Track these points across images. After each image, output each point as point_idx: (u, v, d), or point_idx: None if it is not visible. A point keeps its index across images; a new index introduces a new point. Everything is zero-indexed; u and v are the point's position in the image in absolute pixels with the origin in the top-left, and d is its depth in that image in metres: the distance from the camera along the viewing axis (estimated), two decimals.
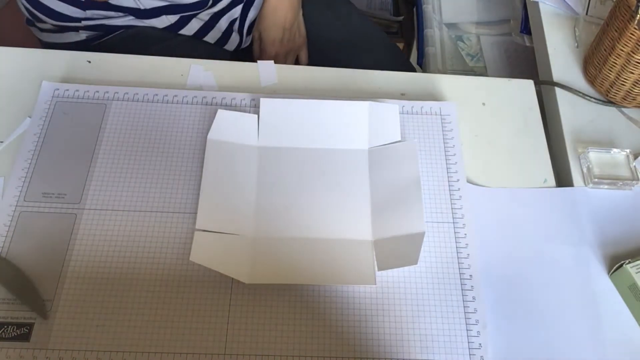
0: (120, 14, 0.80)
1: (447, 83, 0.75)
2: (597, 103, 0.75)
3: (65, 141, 0.66)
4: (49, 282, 0.57)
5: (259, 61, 0.75)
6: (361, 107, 0.68)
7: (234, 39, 0.90)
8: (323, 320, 0.57)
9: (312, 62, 0.98)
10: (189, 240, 0.60)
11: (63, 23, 0.81)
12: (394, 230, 0.61)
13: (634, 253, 0.63)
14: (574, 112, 0.74)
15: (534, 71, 0.86)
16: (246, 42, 0.93)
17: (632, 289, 0.59)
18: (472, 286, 0.60)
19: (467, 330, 0.57)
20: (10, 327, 0.55)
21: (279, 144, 0.67)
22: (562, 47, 0.81)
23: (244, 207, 0.62)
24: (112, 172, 0.64)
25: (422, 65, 1.11)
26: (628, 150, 0.69)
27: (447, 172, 0.67)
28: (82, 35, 0.82)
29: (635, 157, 0.68)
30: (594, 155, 0.68)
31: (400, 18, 1.41)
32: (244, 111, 0.69)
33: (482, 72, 1.07)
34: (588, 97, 0.75)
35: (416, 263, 0.58)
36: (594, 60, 0.75)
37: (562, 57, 0.80)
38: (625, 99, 0.73)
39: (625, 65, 0.70)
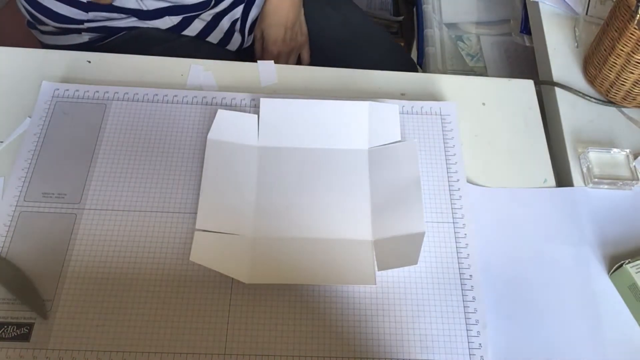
0: (123, 15, 0.80)
1: (447, 83, 0.75)
2: (597, 103, 0.75)
3: (65, 141, 0.66)
4: (49, 282, 0.57)
5: (259, 61, 0.75)
6: (361, 107, 0.68)
7: (236, 38, 0.90)
8: (323, 320, 0.57)
9: (314, 60, 0.98)
10: (189, 240, 0.60)
11: (65, 25, 0.80)
12: (394, 230, 0.61)
13: (634, 253, 0.63)
14: (574, 112, 0.74)
15: (534, 71, 0.86)
16: (248, 42, 0.93)
17: (632, 289, 0.59)
18: (472, 286, 0.60)
19: (467, 330, 0.57)
20: (10, 327, 0.55)
21: (279, 144, 0.67)
22: (562, 47, 0.81)
23: (244, 207, 0.62)
24: (112, 172, 0.64)
25: (422, 65, 1.11)
26: (628, 150, 0.69)
27: (447, 172, 0.67)
28: (85, 38, 0.82)
29: (635, 157, 0.68)
30: (594, 155, 0.68)
31: (400, 18, 1.41)
32: (244, 111, 0.69)
33: (482, 72, 1.07)
34: (588, 97, 0.75)
35: (416, 263, 0.58)
36: (594, 60, 0.75)
37: (562, 57, 0.80)
38: (625, 99, 0.73)
39: (625, 65, 0.70)
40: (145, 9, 0.79)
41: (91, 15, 0.79)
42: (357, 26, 0.98)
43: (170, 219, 0.62)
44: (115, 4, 0.78)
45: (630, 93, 0.72)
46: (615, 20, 0.69)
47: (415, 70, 1.07)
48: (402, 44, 1.38)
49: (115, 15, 0.80)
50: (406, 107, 0.71)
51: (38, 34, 0.85)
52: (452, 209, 0.64)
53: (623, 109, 0.75)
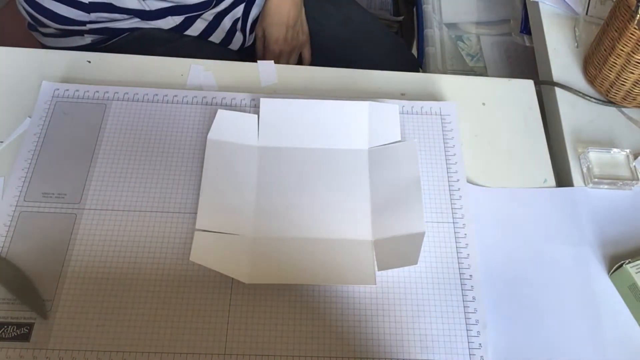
0: (125, 16, 0.80)
1: (447, 83, 0.75)
2: (597, 103, 0.75)
3: (65, 141, 0.66)
4: (49, 282, 0.57)
5: (259, 61, 0.75)
6: (361, 107, 0.68)
7: (238, 38, 0.90)
8: (323, 320, 0.57)
9: (315, 59, 0.98)
10: (189, 240, 0.60)
11: (67, 27, 0.80)
12: (394, 230, 0.61)
13: (634, 253, 0.63)
14: (574, 112, 0.74)
15: (534, 71, 0.86)
16: (249, 41, 0.93)
17: (632, 289, 0.59)
18: (472, 286, 0.60)
19: (467, 330, 0.57)
20: (10, 327, 0.55)
21: (279, 144, 0.67)
22: (562, 47, 0.81)
23: (244, 207, 0.62)
24: (112, 172, 0.64)
25: (422, 65, 1.11)
26: (628, 150, 0.69)
27: (447, 172, 0.67)
28: (87, 39, 0.81)
29: (635, 157, 0.68)
30: (594, 155, 0.68)
31: (400, 18, 1.41)
32: (244, 111, 0.69)
33: (482, 72, 1.07)
34: (588, 97, 0.75)
35: (416, 263, 0.58)
36: (594, 60, 0.75)
37: (562, 57, 0.80)
38: (625, 99, 0.73)
39: (625, 65, 0.70)
40: (147, 9, 0.79)
41: (93, 16, 0.78)
42: (359, 24, 0.98)
43: (170, 219, 0.62)
44: (117, 4, 0.78)
45: (630, 93, 0.72)
46: (615, 20, 0.69)
47: (418, 67, 1.08)
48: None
49: (117, 16, 0.79)
50: (406, 107, 0.71)
51: (39, 36, 0.85)
52: (452, 209, 0.64)
53: (623, 109, 0.75)
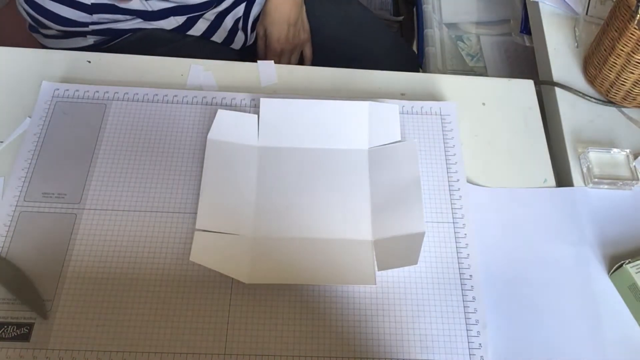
0: (128, 16, 0.79)
1: (447, 83, 0.75)
2: (597, 103, 0.75)
3: (65, 141, 0.66)
4: (49, 282, 0.57)
5: (259, 61, 0.75)
6: (361, 107, 0.68)
7: (240, 37, 0.90)
8: (323, 320, 0.57)
9: (316, 57, 0.98)
10: (189, 240, 0.60)
11: (69, 28, 0.79)
12: (394, 230, 0.61)
13: (634, 253, 0.63)
14: (574, 112, 0.74)
15: (534, 71, 0.86)
16: (251, 40, 0.93)
17: (632, 289, 0.59)
18: (472, 286, 0.60)
19: (467, 330, 0.57)
20: (10, 327, 0.55)
21: (279, 144, 0.67)
22: (562, 47, 0.81)
23: (244, 207, 0.62)
24: (112, 172, 0.64)
25: (422, 65, 1.11)
26: (628, 150, 0.69)
27: (447, 172, 0.67)
28: (90, 40, 0.81)
29: (635, 157, 0.68)
30: (594, 155, 0.68)
31: (400, 18, 1.41)
32: (244, 111, 0.69)
33: (482, 72, 1.07)
34: (588, 97, 0.75)
35: (416, 263, 0.58)
36: (594, 60, 0.75)
37: (562, 57, 0.80)
38: (625, 99, 0.73)
39: (625, 65, 0.70)
40: (150, 9, 0.79)
41: (96, 17, 0.78)
42: (359, 21, 0.98)
43: (170, 219, 0.62)
44: (120, 5, 0.77)
45: (630, 93, 0.72)
46: (615, 20, 0.69)
47: (418, 66, 1.07)
48: None
49: (120, 17, 0.79)
50: (406, 107, 0.71)
51: (40, 38, 0.84)
52: (452, 209, 0.64)
53: (623, 109, 0.75)
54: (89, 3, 0.76)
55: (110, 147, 0.66)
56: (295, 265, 0.59)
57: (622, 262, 0.60)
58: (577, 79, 0.77)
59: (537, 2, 0.85)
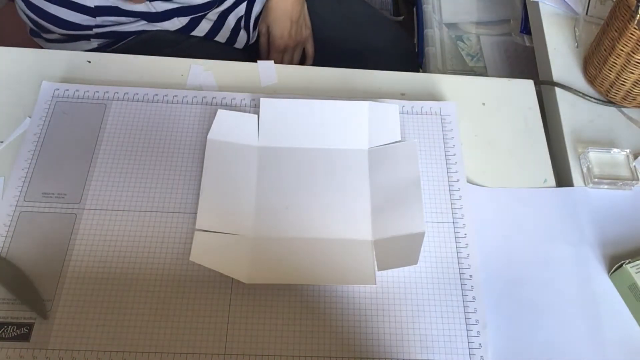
0: (132, 18, 0.79)
1: (447, 83, 0.75)
2: (597, 103, 0.75)
3: (65, 141, 0.66)
4: (49, 282, 0.57)
5: (259, 61, 0.75)
6: (361, 107, 0.68)
7: (242, 35, 0.90)
8: (323, 320, 0.57)
9: (317, 53, 0.98)
10: (189, 240, 0.60)
11: (73, 32, 0.79)
12: (394, 230, 0.61)
13: (634, 253, 0.63)
14: (574, 112, 0.74)
15: (534, 71, 0.86)
16: (253, 38, 0.93)
17: (632, 289, 0.59)
18: (472, 286, 0.60)
19: (467, 330, 0.57)
20: (10, 327, 0.55)
21: (279, 144, 0.67)
22: (562, 47, 0.81)
23: (244, 207, 0.62)
24: (112, 172, 0.64)
25: (422, 65, 1.11)
26: (628, 150, 0.69)
27: (447, 172, 0.67)
28: (94, 44, 0.81)
29: (635, 157, 0.68)
30: (594, 155, 0.68)
31: (400, 18, 1.41)
32: (244, 111, 0.69)
33: (482, 72, 1.07)
34: (588, 97, 0.75)
35: (416, 263, 0.58)
36: (594, 60, 0.75)
37: (562, 57, 0.80)
38: (625, 99, 0.73)
39: (625, 65, 0.70)
40: (154, 11, 0.79)
41: (99, 20, 0.78)
42: (360, 16, 0.98)
43: (170, 219, 0.62)
44: (123, 7, 0.77)
45: (630, 93, 0.72)
46: (615, 20, 0.69)
47: (417, 56, 1.07)
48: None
49: (124, 19, 0.79)
50: (406, 107, 0.71)
51: (42, 42, 0.84)
52: (452, 209, 0.64)
53: (623, 109, 0.75)
54: (92, 6, 0.76)
55: (110, 147, 0.66)
56: (295, 265, 0.59)
57: (622, 262, 0.60)
58: (577, 79, 0.77)
59: (537, 2, 0.85)
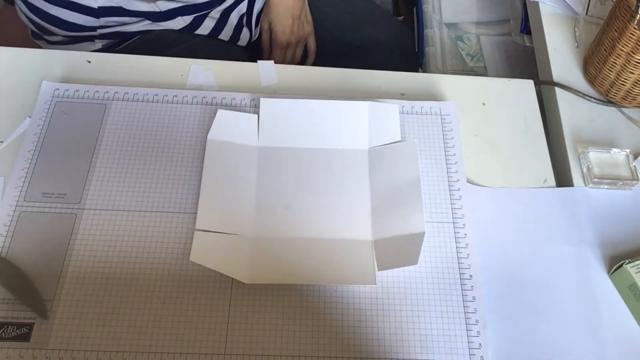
0: (135, 18, 0.79)
1: (447, 83, 0.75)
2: (597, 103, 0.75)
3: (65, 141, 0.66)
4: (49, 282, 0.57)
5: (259, 61, 0.75)
6: (361, 107, 0.68)
7: (245, 33, 0.90)
8: (323, 320, 0.57)
9: (320, 48, 0.98)
10: (189, 240, 0.60)
11: (77, 33, 0.78)
12: (394, 230, 0.61)
13: (634, 253, 0.63)
14: (574, 112, 0.74)
15: (534, 71, 0.86)
16: (255, 35, 0.93)
17: (632, 289, 0.59)
18: (472, 286, 0.60)
19: (467, 330, 0.57)
20: (10, 327, 0.55)
21: (279, 144, 0.67)
22: (562, 47, 0.81)
23: (244, 207, 0.62)
24: (112, 172, 0.64)
25: (422, 65, 1.11)
26: (628, 150, 0.69)
27: (447, 172, 0.67)
28: (98, 45, 0.81)
29: (635, 157, 0.68)
30: (594, 155, 0.68)
31: (400, 18, 1.41)
32: (244, 111, 0.69)
33: (482, 72, 1.07)
34: (588, 97, 0.75)
35: (416, 263, 0.58)
36: (594, 60, 0.75)
37: (562, 57, 0.80)
38: (625, 99, 0.73)
39: (625, 65, 0.70)
40: (157, 10, 0.79)
41: (103, 21, 0.77)
42: (361, 11, 0.98)
43: (170, 219, 0.62)
44: (127, 7, 0.77)
45: (630, 93, 0.72)
46: (615, 20, 0.69)
47: (417, 56, 1.07)
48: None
49: (127, 19, 0.79)
50: (406, 107, 0.71)
51: (45, 44, 0.83)
52: (452, 209, 0.64)
53: (623, 109, 0.75)
54: (96, 7, 0.76)
55: (110, 147, 0.66)
56: (295, 265, 0.59)
57: (622, 262, 0.60)
58: (577, 79, 0.77)
59: (537, 2, 0.85)
